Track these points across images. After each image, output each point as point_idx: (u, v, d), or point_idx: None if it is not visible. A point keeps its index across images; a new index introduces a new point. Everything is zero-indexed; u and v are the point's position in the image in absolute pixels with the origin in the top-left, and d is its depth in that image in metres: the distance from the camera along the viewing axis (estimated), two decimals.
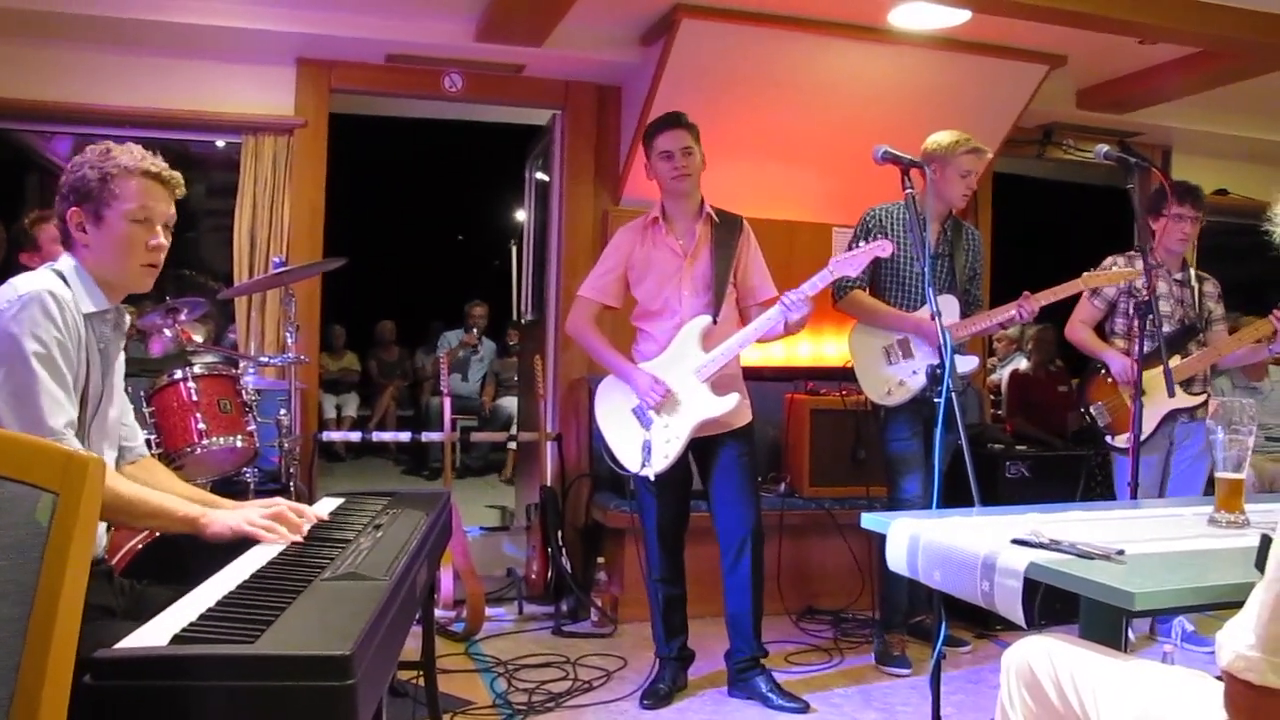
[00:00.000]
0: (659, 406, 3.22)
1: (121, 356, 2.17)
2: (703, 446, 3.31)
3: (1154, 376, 3.54)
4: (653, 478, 3.23)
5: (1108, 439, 3.83)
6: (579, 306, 3.40)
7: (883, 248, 3.24)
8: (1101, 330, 3.96)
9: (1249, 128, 5.44)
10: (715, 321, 3.25)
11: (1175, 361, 3.57)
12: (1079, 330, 3.96)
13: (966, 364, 3.52)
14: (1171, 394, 3.34)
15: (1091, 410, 3.88)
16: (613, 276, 3.37)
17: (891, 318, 3.59)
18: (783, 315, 3.16)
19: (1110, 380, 3.83)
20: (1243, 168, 5.85)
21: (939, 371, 2.77)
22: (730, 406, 3.23)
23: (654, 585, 3.38)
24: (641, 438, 3.24)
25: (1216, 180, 5.85)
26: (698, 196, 3.35)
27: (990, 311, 3.60)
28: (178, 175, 2.05)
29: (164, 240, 2.02)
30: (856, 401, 4.16)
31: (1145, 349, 3.78)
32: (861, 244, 3.30)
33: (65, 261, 1.99)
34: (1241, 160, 5.82)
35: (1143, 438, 3.66)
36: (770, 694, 3.25)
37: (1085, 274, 3.52)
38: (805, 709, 3.22)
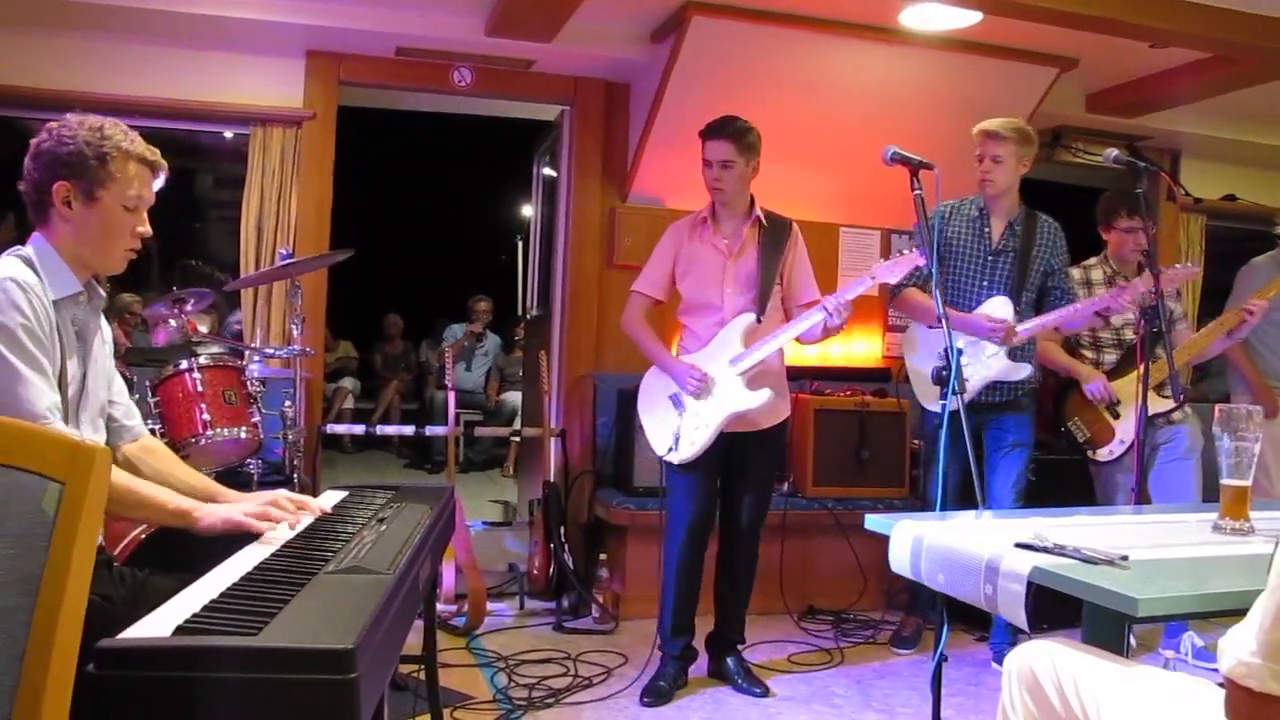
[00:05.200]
0: (698, 392, 3.26)
1: (105, 330, 2.13)
2: (729, 441, 3.34)
3: (1125, 385, 3.54)
4: (676, 463, 3.30)
5: (1089, 453, 3.79)
6: (633, 302, 3.47)
7: (920, 257, 3.21)
8: (1066, 344, 3.90)
9: (1258, 133, 5.42)
10: (759, 320, 3.29)
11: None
12: (1044, 347, 3.85)
13: (1019, 371, 3.46)
14: (1178, 397, 3.33)
15: (1069, 426, 3.83)
16: (662, 272, 3.45)
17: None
18: (824, 319, 3.18)
19: (1084, 395, 3.77)
20: (1252, 173, 5.84)
21: (945, 373, 2.74)
22: (761, 401, 3.26)
23: (671, 579, 3.39)
24: (674, 424, 3.31)
25: (1225, 186, 5.83)
26: (744, 200, 3.39)
27: (1091, 301, 3.45)
28: (164, 161, 2.03)
29: (149, 227, 2.01)
30: (861, 402, 4.16)
31: (1112, 359, 3.79)
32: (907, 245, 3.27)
33: (31, 246, 1.94)
34: (1250, 166, 5.80)
35: (1127, 447, 3.65)
36: (736, 674, 3.39)
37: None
38: (765, 694, 3.33)
